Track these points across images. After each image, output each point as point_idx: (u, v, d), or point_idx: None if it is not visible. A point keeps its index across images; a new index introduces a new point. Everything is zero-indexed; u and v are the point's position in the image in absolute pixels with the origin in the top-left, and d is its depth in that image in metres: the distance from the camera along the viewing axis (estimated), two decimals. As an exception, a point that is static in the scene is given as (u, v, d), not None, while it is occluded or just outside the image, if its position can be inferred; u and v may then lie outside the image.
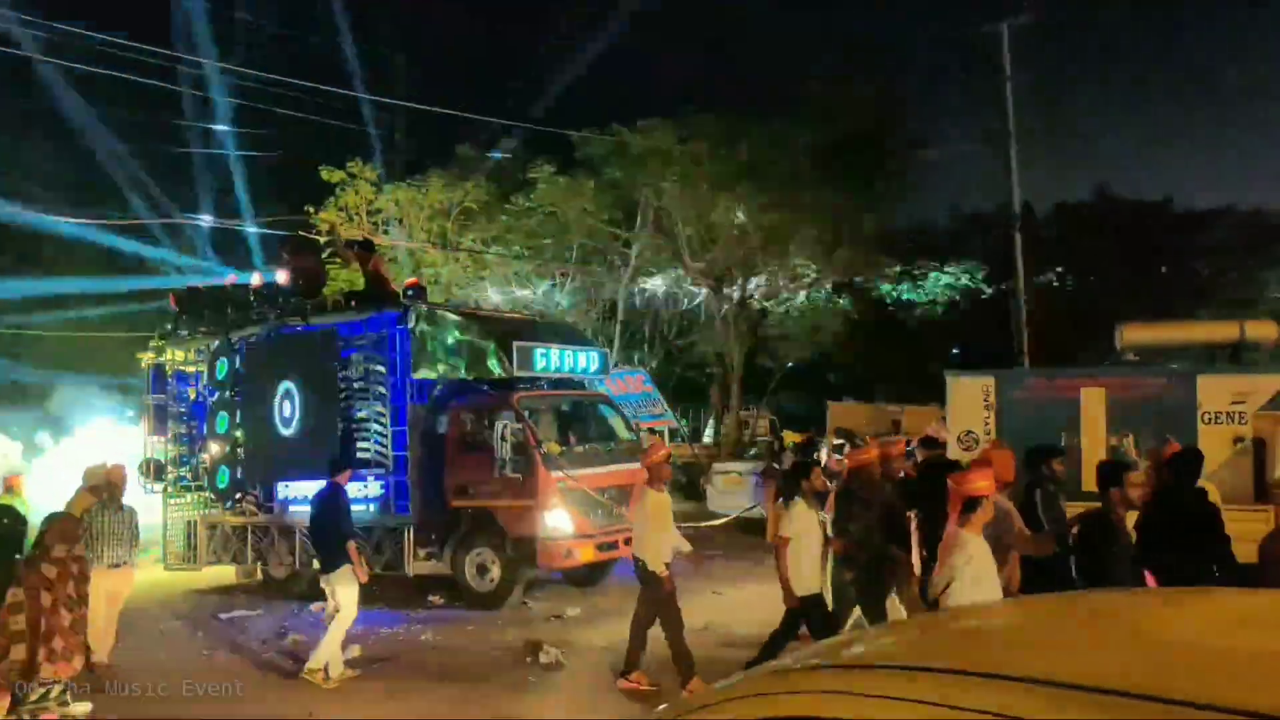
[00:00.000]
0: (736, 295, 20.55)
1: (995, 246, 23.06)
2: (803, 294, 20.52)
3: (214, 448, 14.03)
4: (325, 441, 12.66)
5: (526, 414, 11.64)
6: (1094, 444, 9.64)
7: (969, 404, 10.20)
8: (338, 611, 8.80)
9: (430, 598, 12.13)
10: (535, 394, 12.35)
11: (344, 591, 8.81)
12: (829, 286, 20.48)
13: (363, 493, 12.35)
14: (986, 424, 10.02)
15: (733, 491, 15.85)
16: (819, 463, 9.94)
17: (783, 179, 19.15)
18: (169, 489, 14.63)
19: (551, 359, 12.36)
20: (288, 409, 13.17)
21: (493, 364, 12.00)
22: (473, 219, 20.47)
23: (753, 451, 17.19)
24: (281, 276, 13.36)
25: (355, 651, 9.41)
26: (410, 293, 13.09)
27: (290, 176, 20.93)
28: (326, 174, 20.51)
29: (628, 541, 12.17)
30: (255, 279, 13.70)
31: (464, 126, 20.43)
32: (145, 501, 15.02)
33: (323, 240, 19.80)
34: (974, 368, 28.85)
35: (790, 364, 23.23)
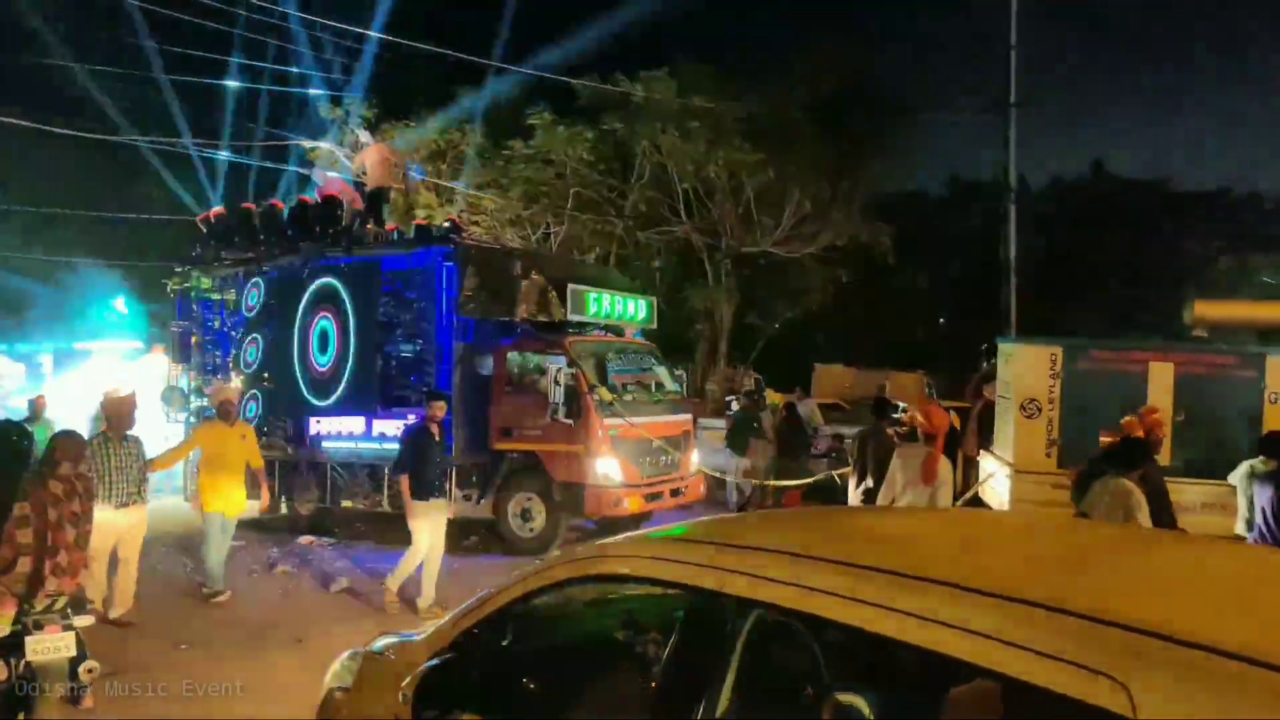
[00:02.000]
0: (730, 251, 20.00)
1: (989, 217, 22.68)
2: (796, 253, 19.94)
3: (242, 378, 13.46)
4: (363, 377, 12.18)
5: (579, 358, 11.14)
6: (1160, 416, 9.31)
7: (1033, 372, 9.78)
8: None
9: (465, 541, 11.69)
10: (588, 339, 11.83)
11: (412, 524, 8.70)
12: (818, 248, 19.86)
13: (400, 431, 11.85)
14: (1051, 393, 9.62)
15: (721, 449, 15.47)
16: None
17: (779, 136, 18.71)
18: (192, 419, 14.05)
19: (604, 304, 11.83)
20: (324, 342, 12.61)
21: (544, 305, 11.46)
22: (468, 163, 19.76)
23: (734, 405, 16.74)
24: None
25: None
26: (449, 226, 12.50)
27: (284, 111, 20.02)
28: (324, 111, 19.73)
29: (674, 493, 11.90)
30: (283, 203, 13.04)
31: (461, 70, 19.68)
32: (168, 431, 14.59)
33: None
34: (962, 336, 29.09)
35: (777, 324, 22.83)
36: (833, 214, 19.25)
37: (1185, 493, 8.87)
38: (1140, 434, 6.88)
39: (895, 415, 9.67)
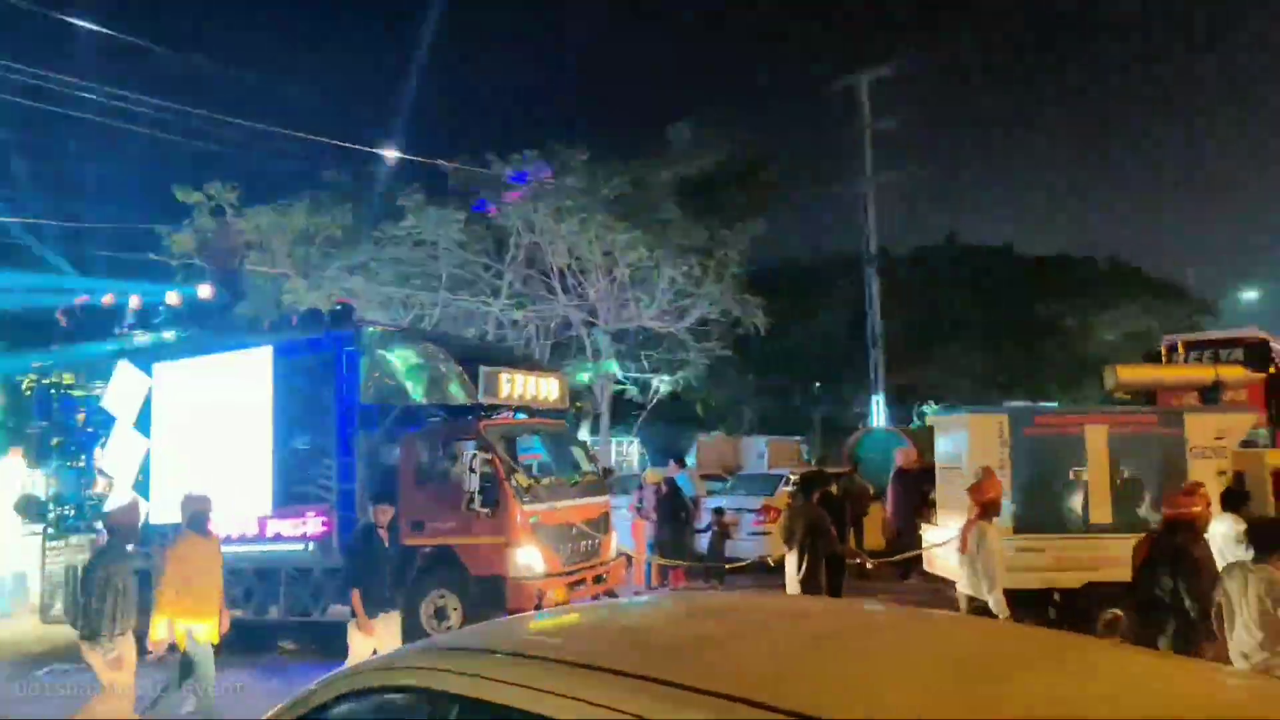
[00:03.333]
0: (607, 327, 19.85)
1: (856, 286, 23.41)
2: (670, 327, 19.98)
3: (113, 480, 12.11)
4: (255, 473, 11.11)
5: (494, 443, 10.45)
6: (1098, 475, 9.46)
7: (985, 441, 9.82)
8: None
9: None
10: (502, 422, 11.15)
11: (357, 641, 7.89)
12: (692, 322, 19.99)
13: (299, 531, 10.83)
14: (1003, 460, 9.65)
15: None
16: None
17: (650, 214, 18.83)
18: (50, 529, 12.52)
19: (516, 385, 11.18)
20: (210, 438, 11.48)
21: (454, 389, 10.74)
22: (337, 247, 19.01)
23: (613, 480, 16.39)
24: (205, 291, 11.70)
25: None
26: (340, 309, 11.70)
27: (141, 197, 18.75)
28: (182, 195, 18.57)
29: (597, 579, 11.23)
30: (171, 296, 11.91)
31: (333, 153, 19.04)
32: (20, 545, 12.97)
33: (175, 264, 17.99)
34: (835, 402, 29.78)
35: (656, 398, 22.71)
36: (705, 288, 19.31)
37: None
38: (1188, 509, 6.44)
39: (829, 488, 9.38)
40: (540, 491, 10.53)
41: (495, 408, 11.19)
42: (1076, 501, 9.49)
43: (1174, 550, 6.17)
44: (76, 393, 12.81)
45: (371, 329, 10.82)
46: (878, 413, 21.60)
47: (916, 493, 12.65)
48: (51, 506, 12.58)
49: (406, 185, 18.47)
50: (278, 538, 10.92)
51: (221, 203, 18.56)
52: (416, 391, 10.75)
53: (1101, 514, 9.42)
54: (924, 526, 11.94)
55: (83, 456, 12.61)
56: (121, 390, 12.14)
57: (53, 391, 12.75)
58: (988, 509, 7.66)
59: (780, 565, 9.27)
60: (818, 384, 30.27)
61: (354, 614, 8.04)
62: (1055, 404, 20.74)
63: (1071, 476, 9.48)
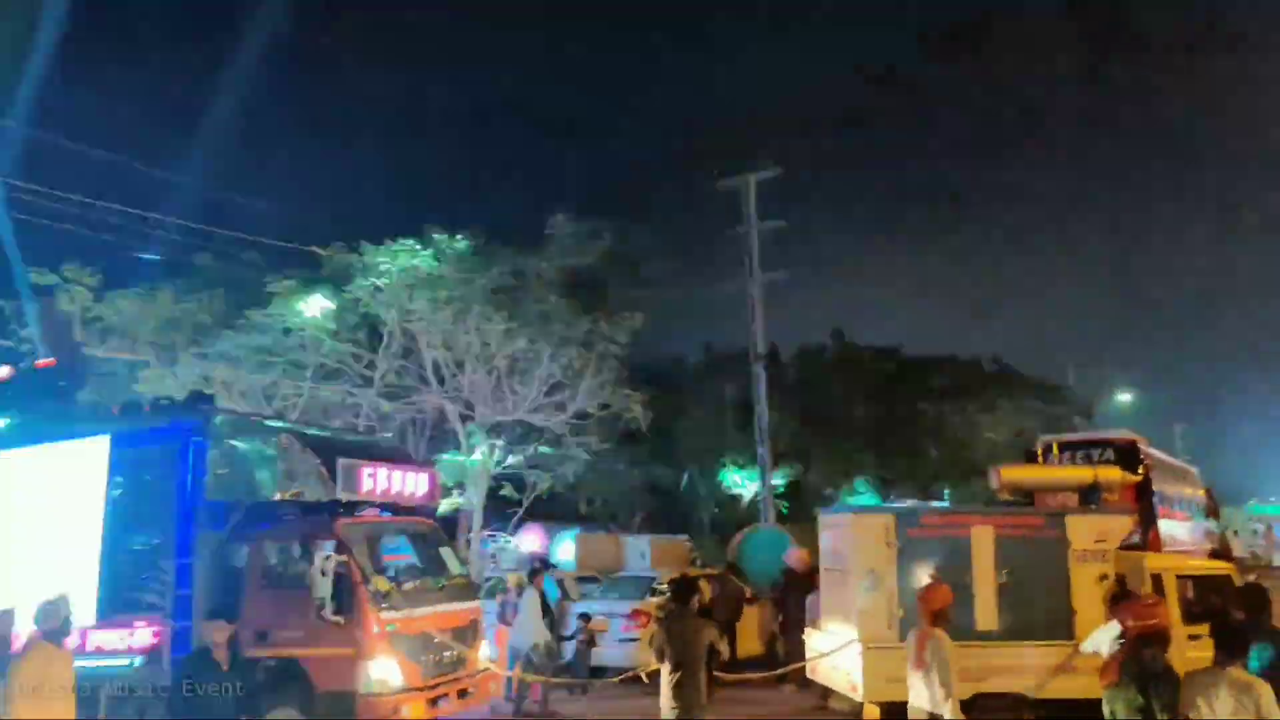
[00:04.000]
0: (482, 421, 19.21)
1: (743, 382, 23.34)
2: (548, 421, 19.44)
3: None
4: (76, 576, 9.88)
5: (350, 544, 9.53)
6: (985, 579, 9.13)
7: (870, 542, 9.42)
8: None
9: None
10: (361, 520, 10.23)
11: None
12: (570, 416, 19.54)
13: (125, 644, 9.63)
14: (889, 563, 9.25)
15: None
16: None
17: (531, 305, 18.52)
18: None
19: (380, 479, 10.33)
20: (37, 535, 10.24)
21: (310, 484, 9.86)
22: (206, 333, 18.05)
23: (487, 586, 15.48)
24: (2, 371, 10.62)
25: None
26: (197, 397, 10.76)
27: None
28: (37, 276, 17.38)
29: (461, 694, 10.27)
30: (2, 370, 10.77)
31: (202, 237, 18.21)
32: None
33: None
34: (727, 499, 29.35)
35: (535, 495, 22.04)
36: (585, 381, 18.91)
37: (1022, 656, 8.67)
38: (1155, 621, 6.31)
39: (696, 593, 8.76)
40: (400, 597, 9.63)
41: (356, 504, 10.30)
42: (963, 606, 9.11)
43: (1144, 665, 6.01)
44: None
45: (221, 417, 9.92)
46: (765, 511, 21.24)
47: (806, 596, 12.16)
48: None
49: (277, 272, 17.63)
50: (99, 651, 9.68)
51: (80, 286, 17.36)
52: (268, 486, 9.87)
53: (988, 620, 9.06)
54: (808, 631, 11.44)
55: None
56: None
57: None
58: (938, 617, 7.38)
59: (654, 678, 8.59)
60: (706, 482, 29.81)
61: None
62: (943, 503, 20.73)
63: (959, 580, 9.14)
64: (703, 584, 13.17)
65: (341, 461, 9.88)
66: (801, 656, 11.49)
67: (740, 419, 24.29)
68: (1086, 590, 8.98)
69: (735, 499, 27.48)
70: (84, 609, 9.78)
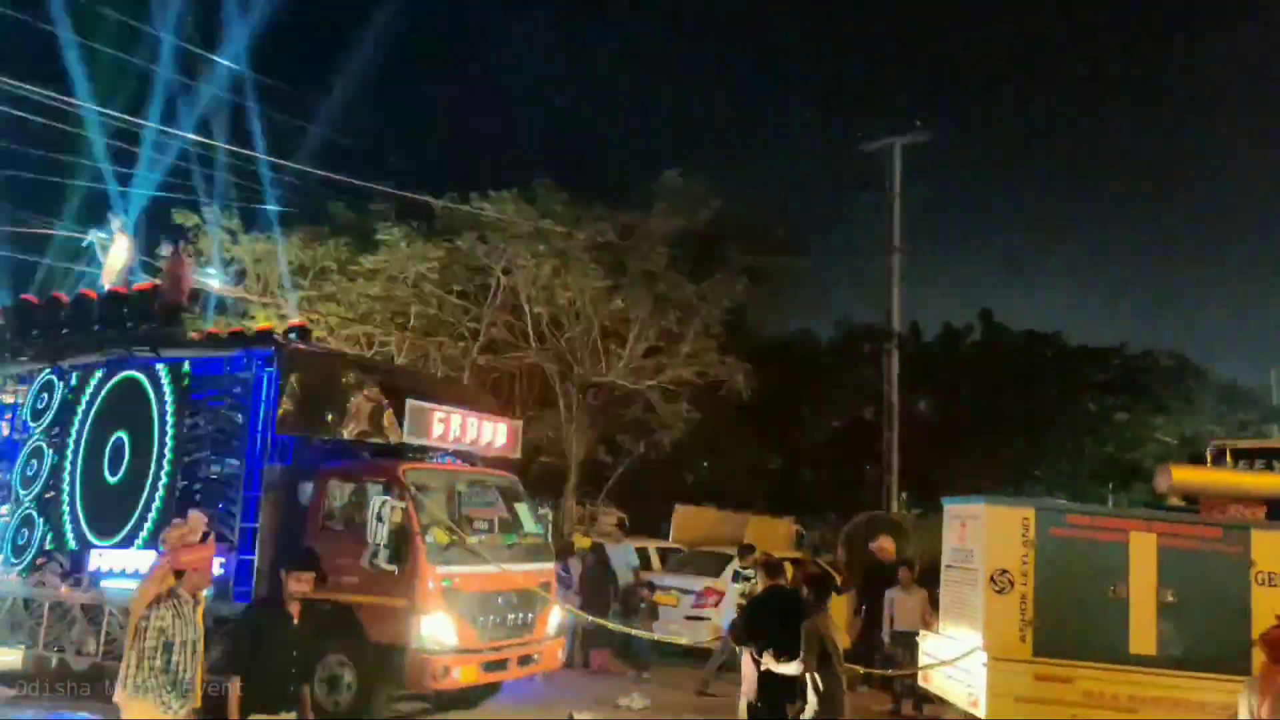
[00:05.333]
0: (579, 381, 18.31)
1: (876, 363, 21.50)
2: (640, 384, 18.34)
3: (17, 497, 10.78)
4: (156, 503, 9.66)
5: (412, 490, 8.87)
6: (1143, 595, 7.61)
7: (1003, 538, 8.09)
8: None
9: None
10: (428, 466, 9.57)
11: None
12: (667, 382, 18.36)
13: (194, 571, 9.30)
14: (1025, 564, 7.88)
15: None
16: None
17: (632, 265, 17.52)
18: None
19: (452, 426, 9.63)
20: (116, 459, 10.08)
21: (379, 425, 9.25)
22: (329, 278, 17.95)
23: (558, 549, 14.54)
24: (131, 292, 10.45)
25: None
26: (293, 334, 10.34)
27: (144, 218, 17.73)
28: (180, 217, 17.68)
29: (524, 660, 9.49)
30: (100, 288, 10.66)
31: (330, 184, 18.05)
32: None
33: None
34: (846, 485, 27.35)
35: (629, 460, 21.08)
36: (683, 347, 17.81)
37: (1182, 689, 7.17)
38: None
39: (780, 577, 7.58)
40: (461, 552, 8.90)
41: (426, 450, 9.64)
42: (1114, 624, 7.62)
43: None
44: (7, 398, 11.61)
45: (294, 349, 9.40)
46: (888, 498, 19.62)
47: (881, 592, 10.79)
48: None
49: (398, 220, 17.35)
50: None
51: (219, 227, 17.62)
52: (337, 424, 9.27)
53: (1144, 643, 7.53)
54: (923, 634, 10.09)
55: (4, 466, 11.32)
56: (38, 399, 10.87)
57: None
58: None
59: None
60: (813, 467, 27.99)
61: None
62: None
63: (1110, 593, 7.69)
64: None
65: (411, 403, 9.22)
66: (870, 655, 10.28)
67: (872, 400, 22.58)
68: (1270, 619, 7.29)
69: (860, 484, 25.70)
70: (159, 533, 9.62)
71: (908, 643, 10.05)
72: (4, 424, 11.52)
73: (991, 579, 8.16)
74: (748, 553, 11.24)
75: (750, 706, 7.17)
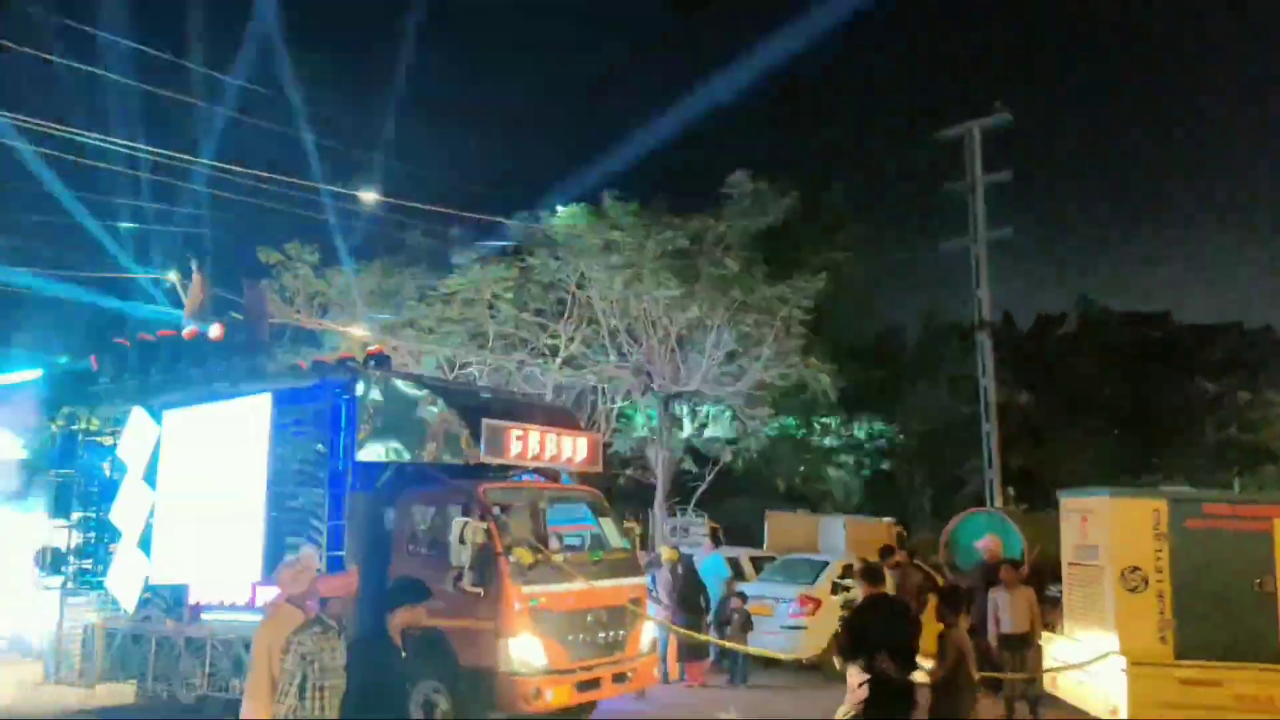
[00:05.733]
0: (661, 392, 17.93)
1: (969, 355, 20.57)
2: (720, 390, 17.85)
3: (121, 536, 11.05)
4: (246, 534, 9.75)
5: (493, 510, 8.72)
6: None
7: (1133, 532, 7.57)
8: None
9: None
10: (507, 485, 9.43)
11: None
12: (750, 386, 17.85)
13: (286, 601, 9.33)
14: (1159, 559, 7.34)
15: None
16: None
17: (705, 271, 17.13)
18: (68, 583, 11.55)
19: (530, 443, 9.47)
20: (205, 494, 10.25)
21: (456, 446, 9.14)
22: (408, 305, 18.14)
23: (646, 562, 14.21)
24: (215, 331, 10.61)
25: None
26: (372, 361, 10.35)
27: (223, 257, 18.17)
28: (264, 255, 18.08)
29: (618, 678, 9.23)
30: (188, 330, 10.88)
31: (404, 213, 18.27)
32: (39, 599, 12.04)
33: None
34: (944, 485, 26.09)
35: (714, 469, 20.67)
36: (763, 351, 17.35)
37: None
38: None
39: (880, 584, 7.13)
40: (547, 570, 8.70)
41: (506, 469, 9.50)
42: (1263, 621, 7.00)
43: None
44: (104, 440, 11.92)
45: (369, 375, 9.37)
46: (990, 495, 18.74)
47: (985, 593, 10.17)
48: (71, 559, 11.63)
49: (461, 242, 17.48)
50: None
51: (301, 262, 17.99)
52: (415, 447, 9.20)
53: None
54: (1046, 636, 9.50)
55: (104, 507, 11.64)
56: (133, 438, 11.14)
57: (79, 438, 11.90)
58: None
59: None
60: (926, 463, 27.03)
61: None
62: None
63: (1255, 587, 7.19)
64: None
65: (486, 422, 9.09)
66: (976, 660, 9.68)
67: (965, 395, 21.69)
68: None
69: (959, 482, 24.74)
70: (252, 565, 9.71)
71: (1015, 645, 9.48)
72: (105, 465, 11.83)
73: (1122, 576, 7.64)
74: (888, 555, 10.86)
75: None
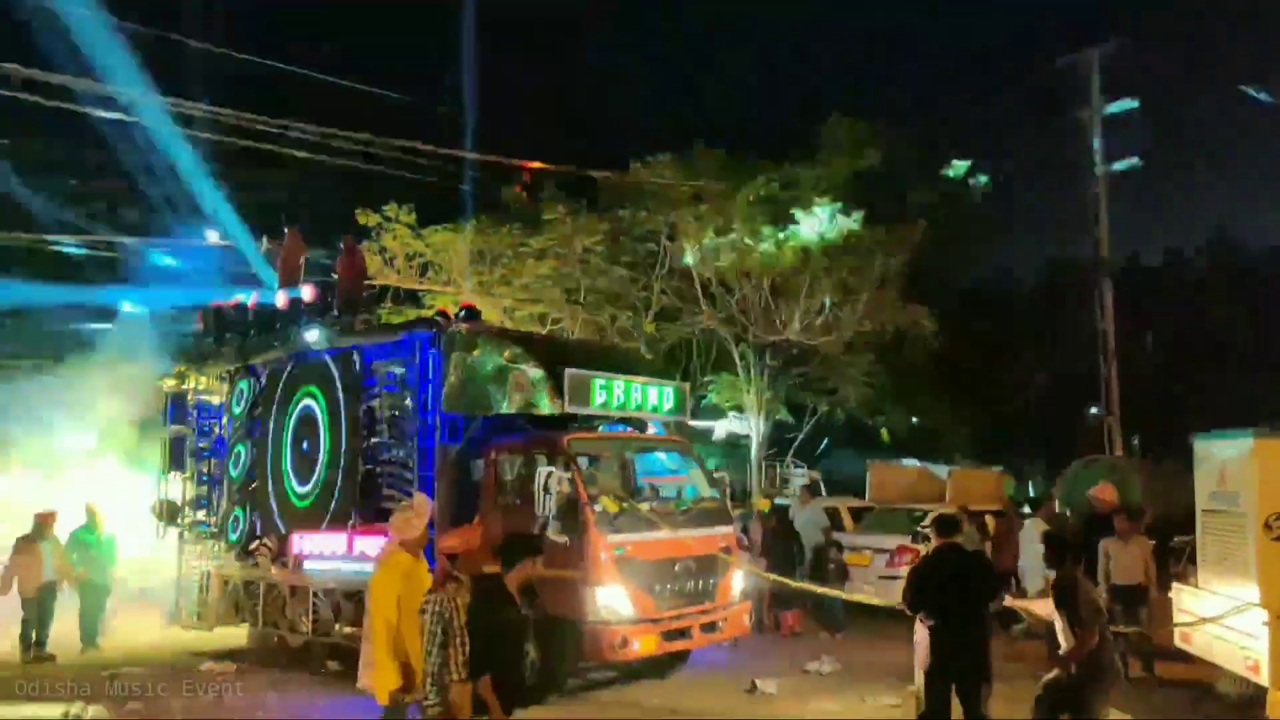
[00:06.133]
0: (754, 341, 17.55)
1: (1088, 298, 19.30)
2: (815, 341, 17.28)
3: (229, 489, 11.49)
4: (344, 486, 9.95)
5: (578, 460, 8.63)
6: None
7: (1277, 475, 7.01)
8: None
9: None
10: (593, 436, 9.32)
11: None
12: (848, 336, 17.18)
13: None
14: None
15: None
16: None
17: (798, 218, 16.55)
18: (184, 534, 12.10)
19: (614, 393, 9.32)
20: (305, 446, 10.50)
21: (540, 397, 9.07)
22: (500, 263, 18.09)
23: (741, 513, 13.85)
24: (308, 293, 10.78)
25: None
26: (461, 314, 10.36)
27: (321, 220, 18.32)
28: (363, 217, 18.25)
29: (707, 628, 9.09)
30: (280, 298, 11.09)
31: (494, 169, 18.09)
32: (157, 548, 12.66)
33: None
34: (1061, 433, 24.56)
35: (812, 419, 20.15)
36: (861, 299, 16.77)
37: None
38: None
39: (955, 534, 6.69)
40: (631, 519, 8.58)
41: (592, 419, 9.38)
42: None
43: None
44: (214, 399, 12.36)
45: (455, 330, 9.35)
46: (1110, 441, 17.69)
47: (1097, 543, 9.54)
48: (187, 511, 12.17)
49: (551, 198, 17.28)
50: (363, 557, 9.66)
51: (399, 223, 18.18)
52: (500, 399, 9.16)
53: None
54: (1175, 588, 8.92)
55: (214, 462, 12.12)
56: (236, 396, 11.51)
57: (188, 396, 12.37)
58: None
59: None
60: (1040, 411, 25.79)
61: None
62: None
63: None
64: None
65: (570, 373, 8.96)
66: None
67: (1086, 339, 20.49)
68: None
69: (1077, 431, 23.56)
70: (348, 515, 9.91)
71: (1127, 598, 8.91)
72: (215, 424, 12.27)
73: (1266, 525, 7.07)
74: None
75: (929, 676, 6.38)
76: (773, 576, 10.51)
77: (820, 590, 10.49)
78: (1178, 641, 8.64)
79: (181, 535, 12.12)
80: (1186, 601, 8.55)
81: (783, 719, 8.30)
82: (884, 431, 22.09)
